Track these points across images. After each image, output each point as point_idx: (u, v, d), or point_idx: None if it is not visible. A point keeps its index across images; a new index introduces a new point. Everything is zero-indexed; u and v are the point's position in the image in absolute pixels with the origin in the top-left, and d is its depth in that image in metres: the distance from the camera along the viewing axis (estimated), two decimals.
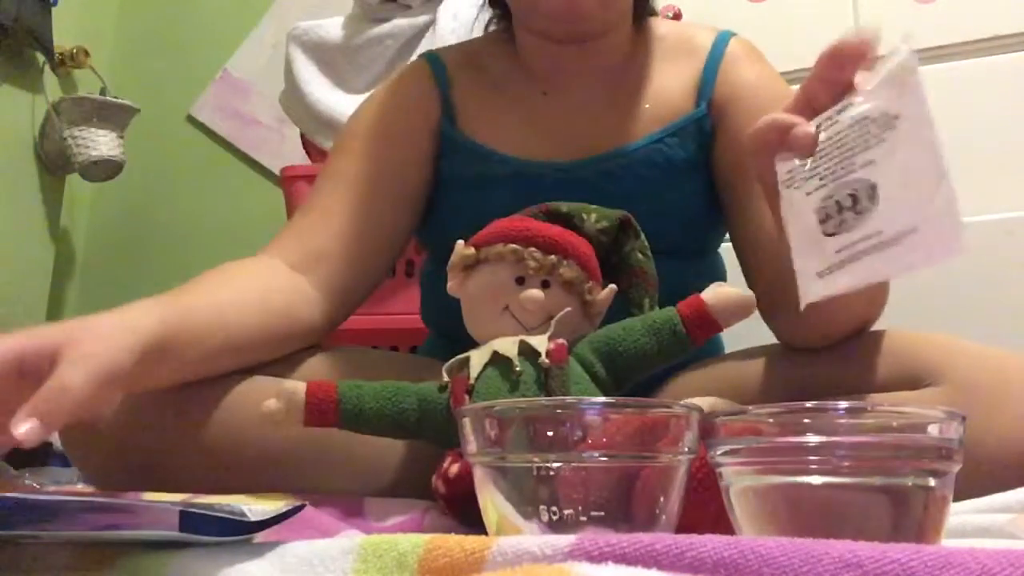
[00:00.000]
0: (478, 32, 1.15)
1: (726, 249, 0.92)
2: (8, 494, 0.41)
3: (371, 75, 1.54)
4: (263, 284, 0.78)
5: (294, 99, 1.58)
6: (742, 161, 0.81)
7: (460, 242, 0.68)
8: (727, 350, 0.92)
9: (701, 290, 0.65)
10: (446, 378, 0.64)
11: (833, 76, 0.57)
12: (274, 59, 2.10)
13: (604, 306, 0.67)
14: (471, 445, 0.45)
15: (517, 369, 0.61)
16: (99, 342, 0.55)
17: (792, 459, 0.40)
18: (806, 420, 0.41)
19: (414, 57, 1.13)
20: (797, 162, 0.57)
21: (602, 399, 0.54)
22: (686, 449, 0.44)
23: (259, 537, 0.45)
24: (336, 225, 0.85)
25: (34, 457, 1.03)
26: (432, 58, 0.95)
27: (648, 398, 0.79)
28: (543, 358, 0.61)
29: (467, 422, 0.45)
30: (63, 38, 2.13)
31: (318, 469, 0.73)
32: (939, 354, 0.68)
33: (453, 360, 0.65)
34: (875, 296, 0.74)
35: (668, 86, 0.89)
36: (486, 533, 0.45)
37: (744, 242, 0.84)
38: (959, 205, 0.49)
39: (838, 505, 0.40)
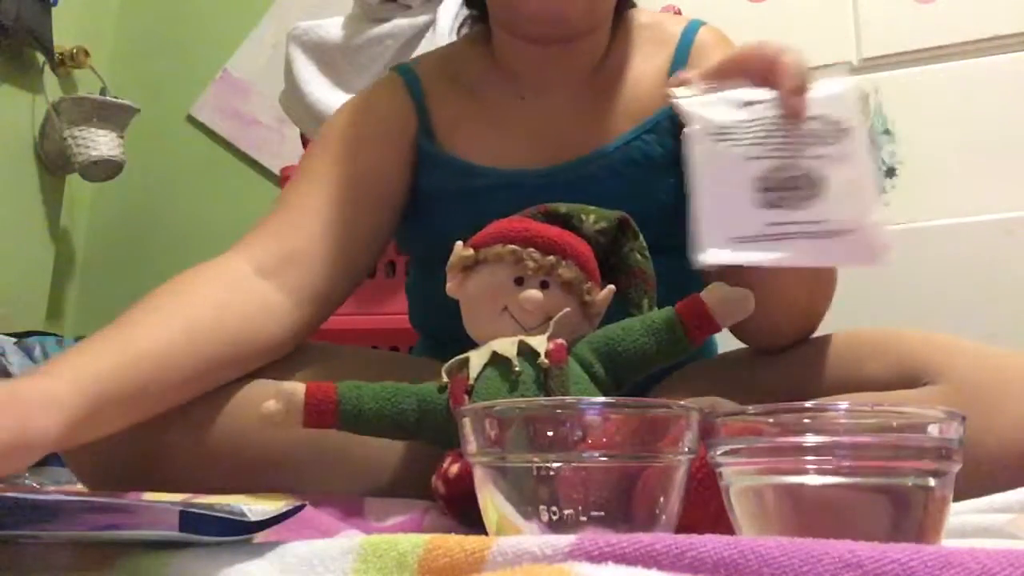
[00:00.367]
0: None
1: None
2: (8, 494, 0.41)
3: (371, 75, 1.54)
4: (224, 303, 0.74)
5: (294, 99, 1.58)
6: None
7: (459, 243, 0.68)
8: (720, 350, 0.92)
9: (695, 286, 0.65)
10: (445, 379, 0.64)
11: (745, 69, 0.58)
12: (274, 59, 2.11)
13: (603, 306, 0.67)
14: (471, 445, 0.45)
15: (516, 369, 0.61)
16: (10, 421, 0.53)
17: (792, 459, 0.40)
18: (806, 420, 0.41)
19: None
20: (730, 120, 0.56)
21: (602, 399, 0.54)
22: (686, 449, 0.44)
23: (259, 537, 0.45)
24: (310, 226, 0.82)
25: None
26: (404, 71, 0.93)
27: (647, 398, 0.79)
28: (542, 358, 0.61)
29: (467, 422, 0.45)
30: (63, 38, 2.13)
31: (318, 469, 0.73)
32: (939, 353, 0.68)
33: (452, 360, 0.65)
34: (815, 288, 0.74)
35: (642, 81, 0.88)
36: (486, 533, 0.45)
37: None
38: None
39: (838, 505, 0.40)
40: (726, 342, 0.81)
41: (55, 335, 1.89)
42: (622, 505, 0.42)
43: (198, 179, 2.31)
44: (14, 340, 1.73)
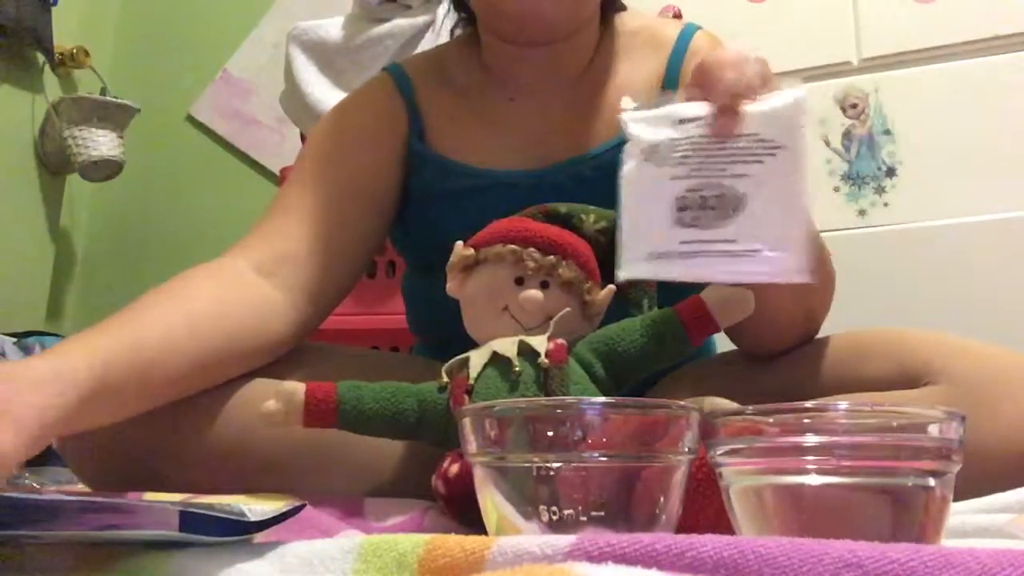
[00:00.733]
0: None
1: None
2: (8, 494, 0.41)
3: (371, 75, 1.54)
4: (224, 299, 0.74)
5: (294, 99, 1.58)
6: None
7: (459, 243, 0.68)
8: (720, 350, 0.92)
9: (695, 286, 0.65)
10: (445, 379, 0.64)
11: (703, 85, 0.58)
12: (274, 59, 2.11)
13: (603, 306, 0.67)
14: (471, 445, 0.45)
15: (516, 369, 0.61)
16: (27, 398, 0.52)
17: (792, 459, 0.40)
18: (806, 420, 0.41)
19: None
20: (660, 138, 0.58)
21: (602, 399, 0.54)
22: (686, 449, 0.44)
23: (259, 537, 0.45)
24: (305, 227, 0.83)
25: (34, 457, 1.03)
26: (395, 71, 0.94)
27: (647, 398, 0.79)
28: (542, 358, 0.61)
29: (467, 422, 0.45)
30: (63, 38, 2.13)
31: (318, 470, 0.73)
32: (939, 353, 0.68)
33: (452, 360, 0.65)
34: (809, 297, 0.74)
35: (633, 84, 0.87)
36: (486, 533, 0.45)
37: None
38: (813, 242, 0.53)
39: (838, 505, 0.40)
40: (726, 342, 0.81)
41: (55, 335, 1.89)
42: (622, 505, 0.42)
43: (198, 179, 2.31)
44: (14, 340, 1.73)
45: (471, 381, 0.62)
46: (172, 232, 2.28)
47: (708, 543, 0.33)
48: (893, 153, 1.48)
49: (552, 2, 0.81)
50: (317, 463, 0.72)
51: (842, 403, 0.43)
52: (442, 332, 0.69)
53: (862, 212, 1.49)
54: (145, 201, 2.34)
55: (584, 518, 0.41)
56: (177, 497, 0.59)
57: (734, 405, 0.59)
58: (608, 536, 0.35)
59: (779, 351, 0.77)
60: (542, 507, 0.42)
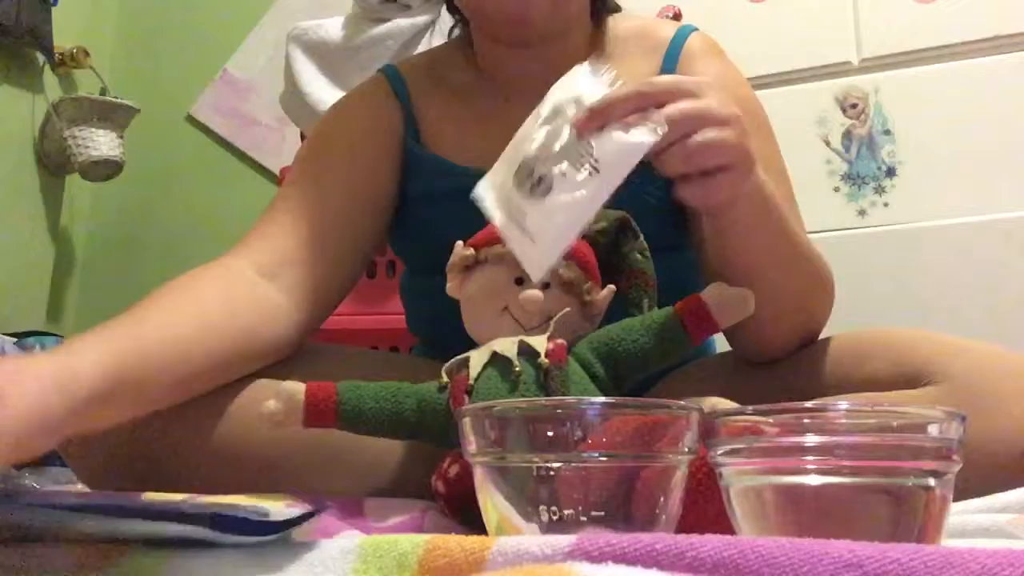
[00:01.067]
0: None
1: None
2: (9, 495, 0.41)
3: (371, 75, 1.54)
4: (233, 301, 0.74)
5: (294, 99, 1.58)
6: None
7: (459, 243, 0.68)
8: (720, 350, 0.92)
9: (695, 286, 0.65)
10: (445, 378, 0.64)
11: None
12: (274, 59, 2.11)
13: (603, 306, 0.67)
14: (471, 445, 0.45)
15: (516, 369, 0.61)
16: (29, 396, 0.51)
17: (792, 459, 0.40)
18: (806, 420, 0.41)
19: None
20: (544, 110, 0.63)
21: (602, 399, 0.54)
22: (686, 449, 0.44)
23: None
24: (305, 230, 0.83)
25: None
26: (390, 73, 0.94)
27: (647, 398, 0.79)
28: (542, 358, 0.61)
29: (467, 422, 0.45)
30: (63, 38, 2.13)
31: (318, 470, 0.73)
32: (939, 353, 0.68)
33: (452, 360, 0.65)
34: (808, 297, 0.74)
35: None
36: (486, 533, 0.45)
37: (697, 250, 0.83)
38: (560, 251, 0.59)
39: (838, 505, 0.40)
40: (726, 342, 0.81)
41: (55, 335, 1.89)
42: (622, 505, 0.42)
43: (198, 179, 2.31)
44: (14, 340, 1.73)
45: (471, 381, 0.62)
46: (172, 232, 2.28)
47: (708, 543, 0.33)
48: (893, 153, 1.48)
49: (532, 3, 0.80)
50: (317, 463, 0.72)
51: (842, 403, 0.43)
52: (442, 332, 0.68)
53: (862, 212, 1.49)
54: (145, 201, 2.34)
55: (584, 518, 0.41)
56: (177, 497, 0.59)
57: (734, 405, 0.59)
58: (608, 536, 0.35)
59: (780, 354, 0.77)
60: (542, 507, 0.42)
